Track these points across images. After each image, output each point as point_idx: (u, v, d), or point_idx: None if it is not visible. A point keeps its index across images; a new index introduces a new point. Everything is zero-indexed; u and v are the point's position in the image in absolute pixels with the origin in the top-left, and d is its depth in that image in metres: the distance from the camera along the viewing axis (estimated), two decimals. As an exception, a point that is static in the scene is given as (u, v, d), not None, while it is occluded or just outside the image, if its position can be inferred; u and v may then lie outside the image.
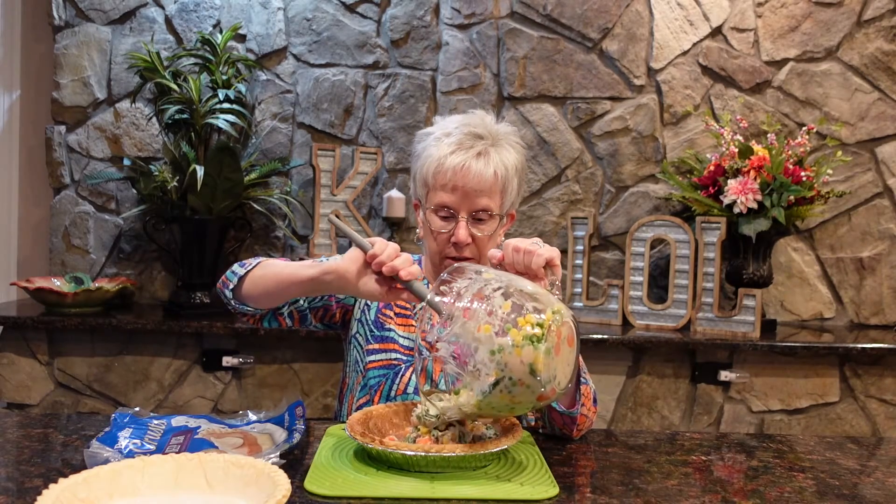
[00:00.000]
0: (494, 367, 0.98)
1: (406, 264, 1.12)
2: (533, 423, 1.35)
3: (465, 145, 1.35)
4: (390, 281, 1.13)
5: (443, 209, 1.36)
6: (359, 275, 1.15)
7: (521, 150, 1.41)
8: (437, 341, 1.04)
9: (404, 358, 1.38)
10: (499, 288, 1.03)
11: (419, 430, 1.09)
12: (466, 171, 1.33)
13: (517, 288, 1.04)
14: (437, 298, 1.06)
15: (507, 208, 1.41)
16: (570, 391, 1.24)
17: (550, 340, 0.98)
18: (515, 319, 0.99)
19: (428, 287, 1.45)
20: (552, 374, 0.99)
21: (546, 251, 1.17)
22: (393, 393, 1.37)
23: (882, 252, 2.76)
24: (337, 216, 2.64)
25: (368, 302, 1.44)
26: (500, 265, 1.21)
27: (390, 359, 1.39)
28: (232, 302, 1.40)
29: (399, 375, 1.37)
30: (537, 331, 0.98)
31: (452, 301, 1.04)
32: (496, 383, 0.99)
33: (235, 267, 1.39)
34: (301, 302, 1.42)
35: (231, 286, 1.37)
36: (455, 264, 1.12)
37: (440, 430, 1.08)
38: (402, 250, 1.16)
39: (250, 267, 1.36)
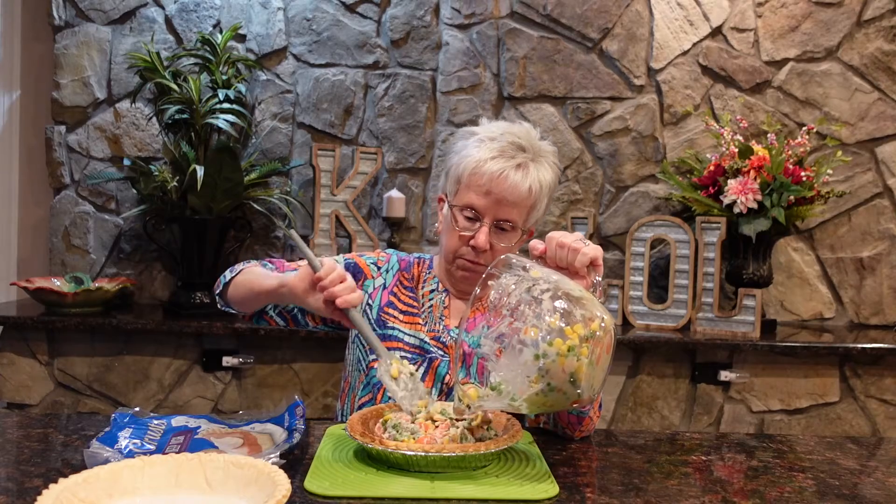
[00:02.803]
0: (536, 372, 0.98)
1: (345, 292, 1.18)
2: (533, 418, 1.35)
3: (507, 153, 1.35)
4: (334, 303, 1.19)
5: (469, 210, 1.36)
6: (306, 292, 1.23)
7: (556, 171, 1.42)
8: (483, 338, 1.03)
9: (409, 356, 1.38)
10: (547, 290, 1.02)
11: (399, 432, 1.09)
12: (503, 180, 1.33)
13: (565, 291, 1.02)
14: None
15: (530, 224, 1.41)
16: None
17: (595, 353, 0.98)
18: (562, 328, 0.98)
19: (438, 287, 1.46)
20: (591, 384, 0.99)
21: (591, 250, 1.16)
22: (397, 390, 1.37)
23: (882, 252, 2.76)
24: (336, 216, 2.65)
25: (370, 301, 1.44)
26: (542, 258, 1.20)
27: None
28: (219, 304, 1.51)
29: None
30: (584, 342, 0.97)
31: (499, 297, 1.03)
32: (535, 387, 0.98)
33: (227, 271, 1.48)
34: (289, 305, 1.45)
35: (218, 290, 1.48)
36: (500, 256, 1.11)
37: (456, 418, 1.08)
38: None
39: (235, 273, 1.46)
